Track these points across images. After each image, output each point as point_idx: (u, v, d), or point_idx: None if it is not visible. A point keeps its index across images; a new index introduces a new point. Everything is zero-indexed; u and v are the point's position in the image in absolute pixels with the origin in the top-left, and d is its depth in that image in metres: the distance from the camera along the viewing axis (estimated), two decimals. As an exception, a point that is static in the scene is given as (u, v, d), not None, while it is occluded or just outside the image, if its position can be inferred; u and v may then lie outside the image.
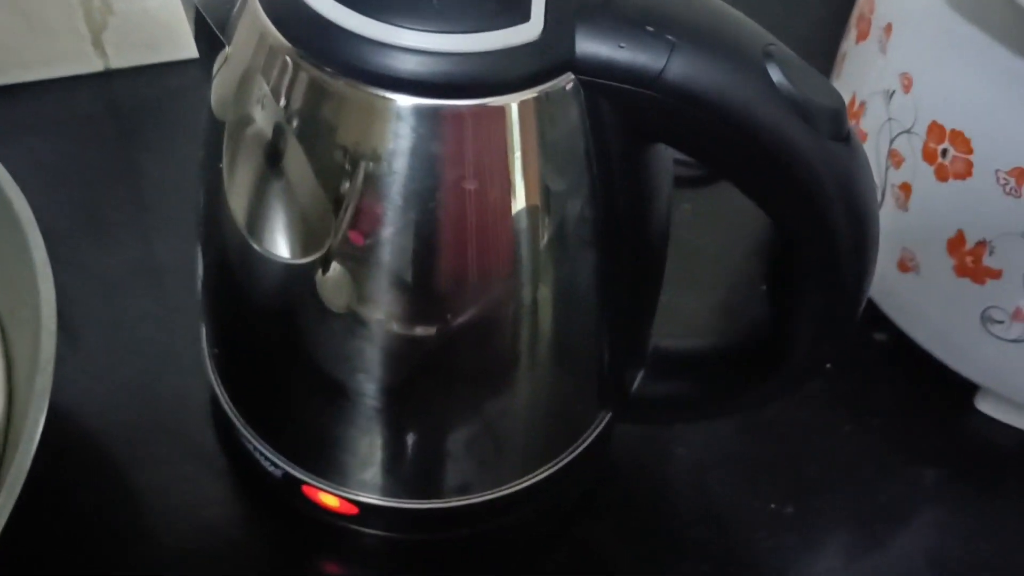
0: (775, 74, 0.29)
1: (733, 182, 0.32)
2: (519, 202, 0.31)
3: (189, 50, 0.57)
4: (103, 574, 0.40)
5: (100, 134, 0.56)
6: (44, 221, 0.38)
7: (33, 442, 0.31)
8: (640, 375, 0.40)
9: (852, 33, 0.47)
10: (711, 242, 0.53)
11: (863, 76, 0.45)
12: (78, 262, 0.50)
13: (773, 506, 0.44)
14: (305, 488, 0.40)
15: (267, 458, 0.40)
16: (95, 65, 0.57)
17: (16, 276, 0.37)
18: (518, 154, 0.30)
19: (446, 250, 0.31)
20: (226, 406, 0.40)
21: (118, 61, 0.57)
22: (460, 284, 0.32)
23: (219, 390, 0.41)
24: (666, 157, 0.34)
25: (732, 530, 0.44)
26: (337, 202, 0.30)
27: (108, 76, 0.57)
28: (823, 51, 0.52)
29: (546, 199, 0.31)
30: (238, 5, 0.32)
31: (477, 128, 0.29)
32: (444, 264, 0.31)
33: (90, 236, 0.51)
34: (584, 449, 0.41)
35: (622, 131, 0.30)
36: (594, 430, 0.41)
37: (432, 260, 0.31)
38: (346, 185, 0.30)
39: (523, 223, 0.31)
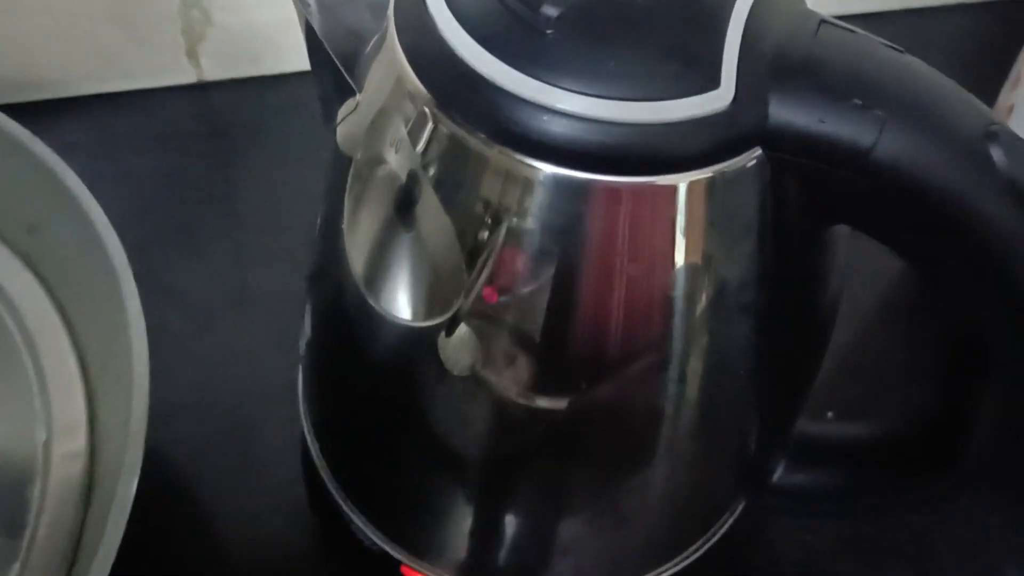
0: (1000, 158, 0.24)
1: (925, 273, 0.28)
2: (678, 288, 0.27)
3: (292, 63, 0.55)
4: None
5: (196, 150, 0.53)
6: (134, 241, 0.36)
7: (121, 524, 0.28)
8: (782, 463, 0.36)
9: (1026, 82, 0.42)
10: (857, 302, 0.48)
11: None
12: (170, 286, 0.47)
13: (914, 607, 0.40)
14: (404, 569, 0.36)
15: (364, 533, 0.36)
16: (189, 76, 0.54)
17: (107, 324, 0.34)
18: (682, 238, 0.26)
19: (586, 330, 0.27)
20: (322, 472, 0.37)
21: (214, 73, 0.54)
22: (597, 353, 0.28)
23: (315, 454, 0.37)
24: (843, 234, 0.30)
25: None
26: (469, 268, 0.27)
27: (204, 89, 0.55)
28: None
29: (708, 285, 0.27)
30: (372, 44, 0.29)
31: (639, 209, 0.25)
32: (583, 328, 0.27)
33: (183, 259, 0.48)
34: (713, 545, 0.36)
35: (806, 213, 0.26)
36: (723, 525, 0.37)
37: (568, 341, 0.27)
38: (480, 253, 0.26)
39: (679, 307, 0.27)
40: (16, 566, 0.32)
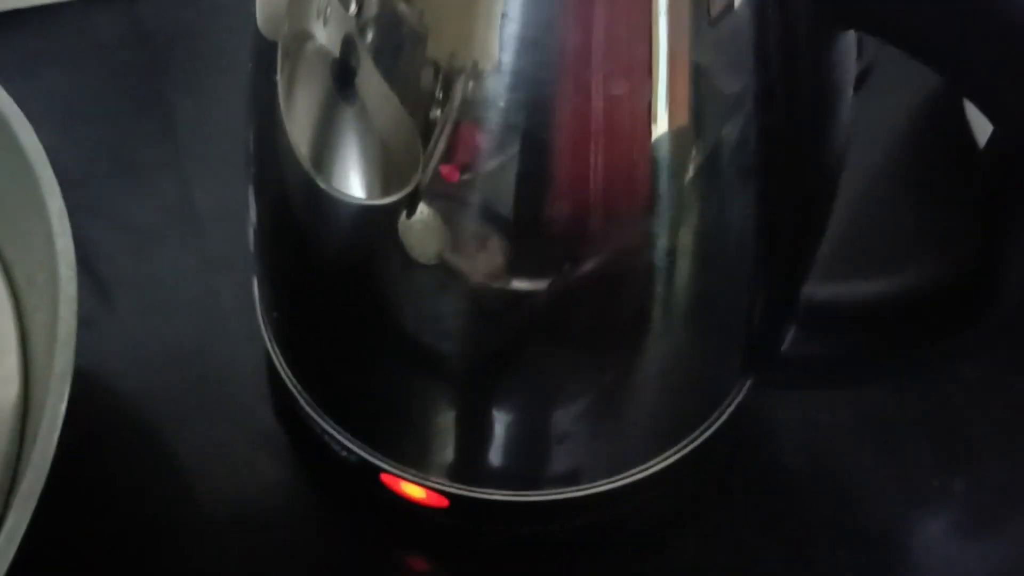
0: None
1: (954, 79, 0.24)
2: (662, 113, 0.23)
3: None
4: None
5: (126, 63, 0.48)
6: (64, 166, 0.32)
7: (52, 439, 0.25)
8: (792, 331, 0.33)
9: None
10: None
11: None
12: (106, 211, 0.43)
13: (937, 483, 0.37)
14: (384, 476, 0.33)
15: (337, 441, 0.33)
16: (116, -18, 0.49)
17: (31, 233, 0.30)
18: (664, 46, 0.22)
19: (564, 176, 0.24)
20: (288, 382, 0.33)
21: (143, -24, 0.50)
22: (580, 221, 0.24)
23: (278, 363, 0.34)
24: (851, 57, 0.26)
25: (891, 512, 0.37)
26: (428, 119, 0.23)
27: (130, -6, 0.50)
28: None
29: (700, 108, 0.23)
30: None
31: (611, 9, 0.21)
32: (561, 195, 0.24)
33: (118, 181, 0.44)
34: (717, 428, 0.33)
35: (811, 14, 0.23)
36: (729, 405, 0.34)
37: (547, 189, 0.24)
38: (439, 95, 0.23)
39: (666, 141, 0.23)
40: (-54, 503, 0.28)
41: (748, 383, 0.34)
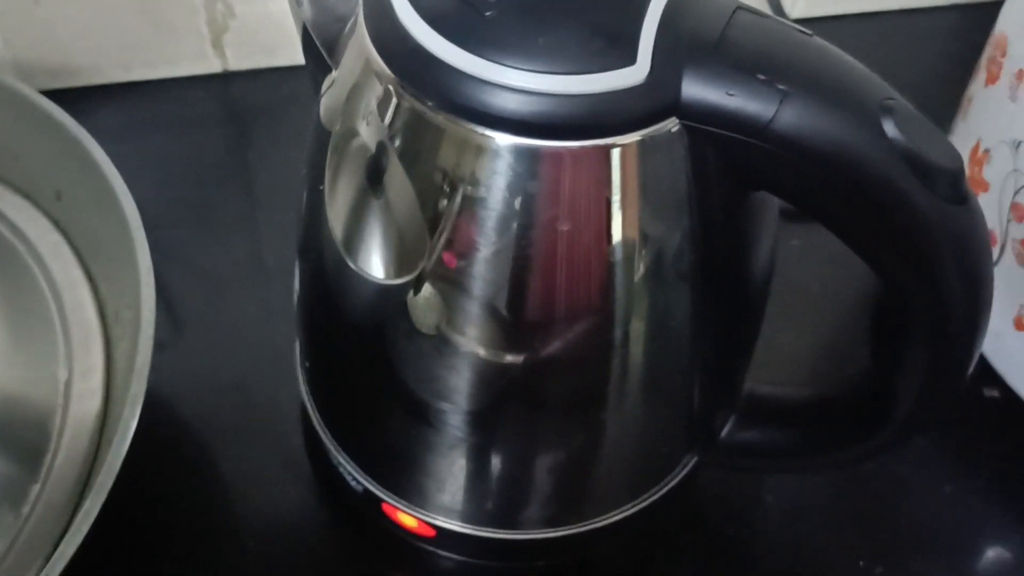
0: (892, 130, 0.27)
1: (840, 237, 0.31)
2: (615, 244, 0.30)
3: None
4: (181, 567, 0.41)
5: (215, 134, 0.57)
6: (155, 216, 0.39)
7: (123, 446, 0.32)
8: (731, 420, 0.39)
9: (981, 75, 0.45)
10: (818, 280, 0.51)
11: (990, 122, 0.43)
12: (186, 258, 0.51)
13: (862, 564, 0.43)
14: (384, 506, 0.40)
15: (349, 473, 0.40)
16: (214, 66, 0.58)
17: (123, 278, 0.38)
18: (617, 196, 0.29)
19: (536, 286, 0.31)
20: (313, 418, 0.41)
21: (236, 63, 0.58)
22: (549, 318, 0.31)
23: (308, 401, 0.41)
24: (772, 203, 0.33)
25: (818, 585, 0.42)
26: (431, 230, 0.30)
27: (226, 78, 0.59)
28: (945, 99, 0.50)
29: (643, 241, 0.30)
30: (348, 28, 0.33)
31: (576, 170, 0.28)
32: (534, 299, 0.31)
33: (199, 234, 0.52)
34: (669, 490, 0.40)
35: (726, 178, 0.30)
36: (679, 472, 0.40)
37: (522, 295, 0.31)
38: (441, 216, 0.30)
39: (618, 264, 0.30)
40: (36, 487, 0.36)
41: (693, 459, 0.40)
